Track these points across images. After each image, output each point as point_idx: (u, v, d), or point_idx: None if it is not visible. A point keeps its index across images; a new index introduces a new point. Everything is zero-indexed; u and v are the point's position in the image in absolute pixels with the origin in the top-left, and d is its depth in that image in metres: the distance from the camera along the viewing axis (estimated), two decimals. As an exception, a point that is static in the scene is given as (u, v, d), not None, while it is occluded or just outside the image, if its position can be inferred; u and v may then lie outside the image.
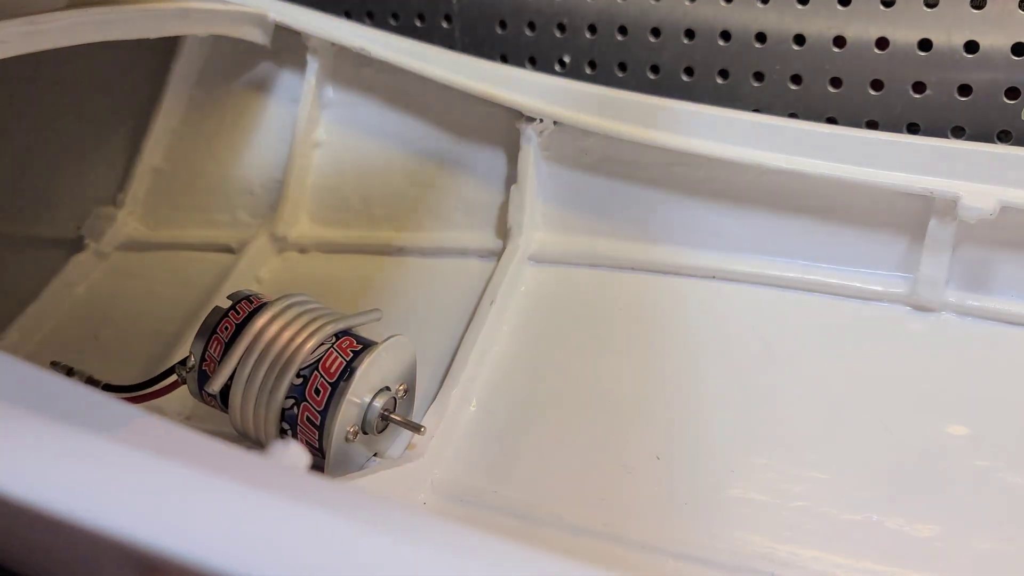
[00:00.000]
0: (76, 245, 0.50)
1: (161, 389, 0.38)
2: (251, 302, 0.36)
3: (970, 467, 0.32)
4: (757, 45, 0.50)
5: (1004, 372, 0.35)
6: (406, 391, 0.36)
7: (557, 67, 0.55)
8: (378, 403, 0.34)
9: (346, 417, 0.33)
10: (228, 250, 0.48)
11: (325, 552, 0.16)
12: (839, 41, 0.48)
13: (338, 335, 0.35)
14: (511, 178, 0.45)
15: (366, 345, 0.35)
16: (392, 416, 0.35)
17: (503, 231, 0.45)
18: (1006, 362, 0.36)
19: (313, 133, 0.49)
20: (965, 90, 0.46)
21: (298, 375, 0.34)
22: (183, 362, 0.36)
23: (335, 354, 0.34)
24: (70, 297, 0.48)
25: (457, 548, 0.16)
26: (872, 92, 0.49)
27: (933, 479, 0.32)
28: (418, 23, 0.57)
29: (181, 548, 0.16)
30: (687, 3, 0.51)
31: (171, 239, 0.50)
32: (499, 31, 0.55)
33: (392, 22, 0.57)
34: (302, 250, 0.48)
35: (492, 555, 0.16)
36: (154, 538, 0.16)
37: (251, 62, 0.50)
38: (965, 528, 0.31)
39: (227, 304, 0.36)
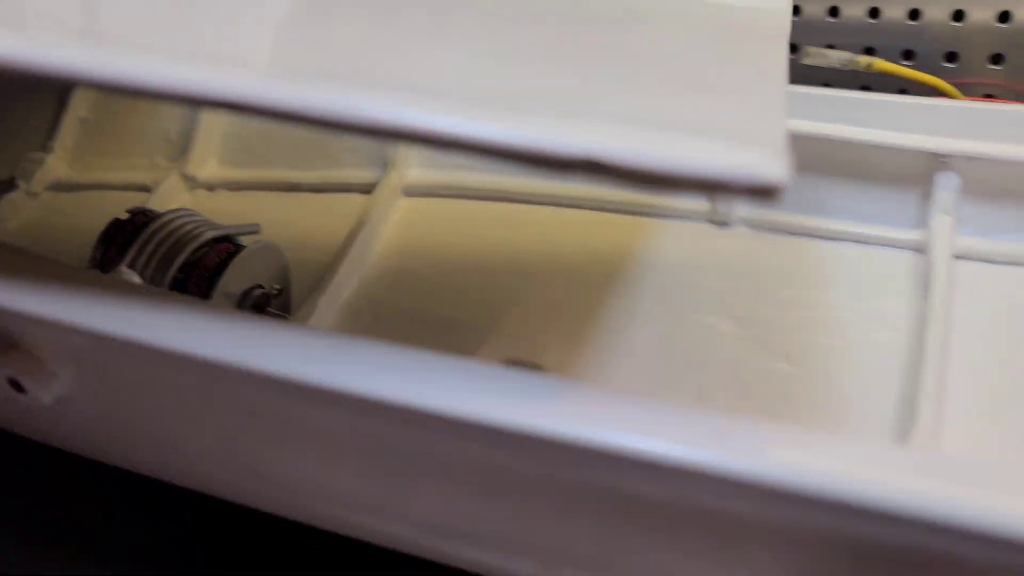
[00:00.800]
0: (9, 186, 0.55)
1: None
2: (146, 215, 0.42)
3: (731, 351, 0.39)
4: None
5: (780, 275, 0.42)
6: (280, 291, 0.43)
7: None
8: (250, 298, 0.41)
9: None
10: (145, 189, 0.54)
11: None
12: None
13: (217, 240, 0.41)
14: (391, 122, 0.51)
15: (241, 248, 0.41)
16: (267, 310, 0.41)
17: (383, 169, 0.51)
18: (783, 265, 0.43)
19: (221, 86, 0.55)
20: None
21: (180, 271, 0.40)
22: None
23: (213, 254, 0.40)
24: (3, 232, 0.54)
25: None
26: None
27: (698, 361, 0.39)
28: None
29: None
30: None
31: (95, 180, 0.56)
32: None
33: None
34: (210, 188, 0.54)
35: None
36: None
37: (166, 23, 0.56)
38: (720, 397, 0.38)
39: (126, 216, 0.42)
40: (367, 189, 0.51)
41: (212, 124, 0.55)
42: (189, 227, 0.41)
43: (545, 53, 0.26)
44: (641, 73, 0.25)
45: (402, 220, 0.50)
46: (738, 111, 0.20)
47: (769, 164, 0.17)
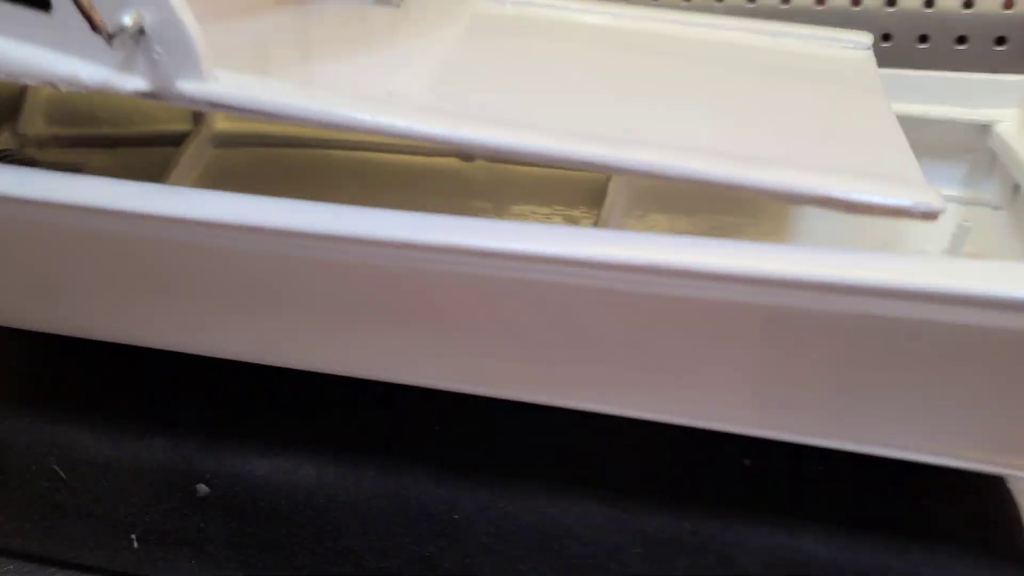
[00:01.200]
0: None
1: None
2: (-23, 156, 0.50)
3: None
4: None
5: (510, 193, 0.55)
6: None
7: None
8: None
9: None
10: (-22, 147, 0.61)
11: None
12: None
13: (45, 173, 0.50)
14: (201, 83, 0.61)
15: (66, 180, 0.50)
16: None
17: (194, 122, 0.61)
18: (513, 186, 0.56)
19: (47, 55, 0.63)
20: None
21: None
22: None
23: (42, 184, 0.49)
24: None
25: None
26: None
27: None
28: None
29: None
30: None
31: (-70, 141, 0.62)
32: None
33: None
34: (40, 145, 0.62)
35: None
36: None
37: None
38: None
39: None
40: (180, 141, 0.60)
41: (36, 89, 0.63)
42: (19, 161, 0.49)
43: (716, 114, 0.34)
44: (801, 129, 0.32)
45: (212, 165, 0.60)
46: (888, 160, 0.27)
47: (935, 200, 0.24)
